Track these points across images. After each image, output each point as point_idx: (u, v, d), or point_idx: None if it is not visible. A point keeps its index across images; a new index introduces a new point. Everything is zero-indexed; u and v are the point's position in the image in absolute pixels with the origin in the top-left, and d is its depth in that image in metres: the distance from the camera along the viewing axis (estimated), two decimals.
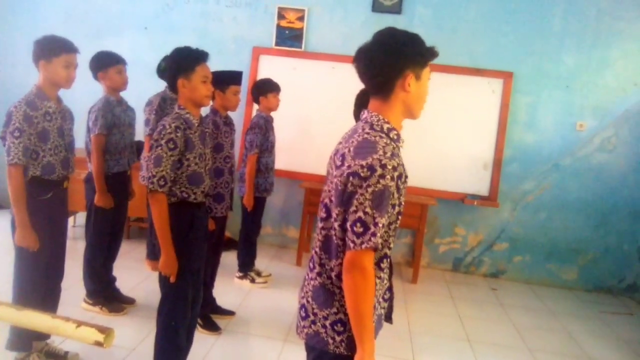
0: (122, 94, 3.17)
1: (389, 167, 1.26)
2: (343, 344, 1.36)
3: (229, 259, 4.02)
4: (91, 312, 3.10)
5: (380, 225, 1.26)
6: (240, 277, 3.87)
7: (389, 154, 1.27)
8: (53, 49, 2.29)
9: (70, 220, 4.52)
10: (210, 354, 2.79)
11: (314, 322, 1.40)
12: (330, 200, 1.36)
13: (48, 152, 2.33)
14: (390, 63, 1.32)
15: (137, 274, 3.72)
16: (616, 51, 4.43)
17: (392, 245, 1.39)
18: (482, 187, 4.55)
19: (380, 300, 1.43)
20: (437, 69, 4.06)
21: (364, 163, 1.26)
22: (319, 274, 1.40)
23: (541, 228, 4.65)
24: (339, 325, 1.36)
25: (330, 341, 1.37)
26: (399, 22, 4.50)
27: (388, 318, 1.51)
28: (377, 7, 4.58)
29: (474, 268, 4.81)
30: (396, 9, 4.56)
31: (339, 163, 1.34)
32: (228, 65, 3.43)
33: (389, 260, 1.41)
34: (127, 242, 4.26)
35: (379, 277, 1.37)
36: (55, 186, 2.40)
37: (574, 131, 4.54)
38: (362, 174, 1.25)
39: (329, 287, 1.38)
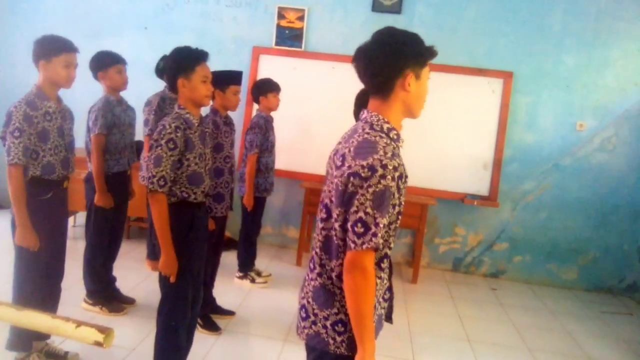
0: (122, 93, 3.17)
1: (390, 167, 1.26)
2: (344, 344, 1.36)
3: (229, 259, 4.01)
4: (91, 312, 3.10)
5: (381, 225, 1.26)
6: (240, 277, 3.87)
7: (389, 154, 1.27)
8: (53, 49, 2.29)
9: (70, 220, 4.52)
10: (210, 354, 2.79)
11: (314, 323, 1.40)
12: (331, 201, 1.35)
13: (48, 152, 2.33)
14: (390, 63, 1.31)
15: (137, 274, 3.72)
16: (616, 51, 4.43)
17: (392, 245, 1.39)
18: (482, 187, 4.55)
19: (381, 300, 1.43)
20: (437, 69, 4.07)
21: (364, 163, 1.26)
22: (320, 275, 1.40)
23: (541, 228, 4.65)
24: (339, 325, 1.36)
25: (331, 342, 1.37)
26: (399, 22, 4.50)
27: (388, 318, 1.51)
28: (377, 7, 4.58)
29: (474, 268, 4.81)
30: (396, 9, 4.56)
31: (339, 163, 1.34)
32: (228, 65, 3.43)
33: (389, 260, 1.41)
34: (127, 242, 4.26)
35: (379, 277, 1.37)
36: (55, 186, 2.40)
37: (574, 131, 4.54)
38: (362, 174, 1.25)
39: (330, 287, 1.38)
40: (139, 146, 3.61)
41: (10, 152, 2.21)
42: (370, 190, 1.24)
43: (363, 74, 1.37)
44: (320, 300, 1.39)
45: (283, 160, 4.41)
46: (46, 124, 2.32)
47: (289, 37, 4.69)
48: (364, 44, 1.36)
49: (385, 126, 1.35)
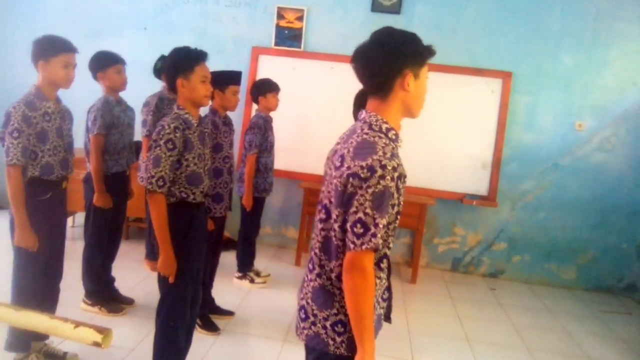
0: (121, 94, 3.16)
1: (389, 168, 1.26)
2: (343, 344, 1.36)
3: (228, 259, 4.01)
4: (90, 313, 3.10)
5: (381, 226, 1.26)
6: (240, 277, 3.87)
7: (388, 155, 1.27)
8: (52, 49, 2.29)
9: (69, 220, 4.52)
10: (210, 354, 2.79)
11: (314, 324, 1.40)
12: (330, 201, 1.35)
13: (47, 152, 2.32)
14: (389, 63, 1.31)
15: (136, 274, 3.72)
16: (615, 51, 4.43)
17: (391, 245, 1.39)
18: (481, 186, 4.55)
19: (380, 300, 1.43)
20: (436, 69, 4.07)
21: (363, 164, 1.26)
22: (319, 275, 1.40)
23: (540, 228, 4.66)
24: (339, 326, 1.36)
25: (331, 342, 1.37)
26: (398, 22, 4.50)
27: (387, 318, 1.51)
28: (376, 7, 4.58)
29: (473, 268, 4.81)
30: (395, 9, 4.56)
31: (338, 164, 1.33)
32: (227, 65, 3.43)
33: (388, 260, 1.41)
34: (126, 243, 4.26)
35: (379, 277, 1.37)
36: (54, 186, 2.40)
37: (573, 131, 4.54)
38: (362, 175, 1.25)
39: (329, 288, 1.38)
40: (138, 146, 3.61)
41: (9, 153, 2.21)
42: (370, 190, 1.24)
43: (362, 74, 1.37)
44: (319, 301, 1.39)
45: (282, 160, 4.41)
46: (45, 124, 2.31)
47: (288, 37, 4.69)
48: (362, 44, 1.36)
49: (384, 126, 1.35)
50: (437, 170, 4.55)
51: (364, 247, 1.25)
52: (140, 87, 3.56)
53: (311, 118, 4.65)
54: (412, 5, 4.57)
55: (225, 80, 2.90)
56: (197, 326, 2.77)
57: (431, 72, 1.44)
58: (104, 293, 3.18)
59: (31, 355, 2.45)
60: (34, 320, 0.98)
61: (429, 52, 1.36)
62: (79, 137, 3.18)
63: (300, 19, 4.66)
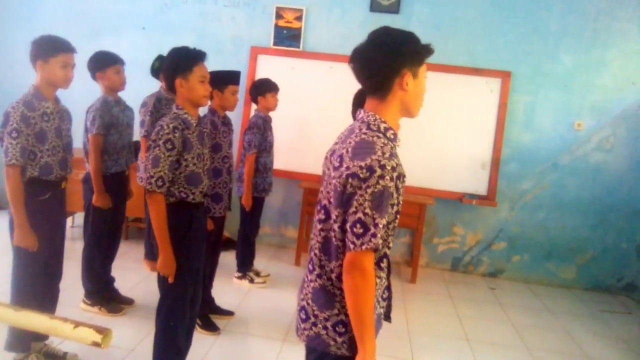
0: (120, 94, 3.16)
1: (388, 168, 1.26)
2: (345, 345, 1.36)
3: (227, 259, 4.02)
4: (90, 313, 3.10)
5: (381, 226, 1.26)
6: (239, 277, 3.87)
7: (387, 154, 1.27)
8: (50, 49, 2.29)
9: (69, 220, 4.52)
10: (210, 354, 2.79)
11: (314, 324, 1.39)
12: (329, 202, 1.35)
13: (46, 152, 2.32)
14: (387, 62, 1.31)
15: (135, 274, 3.72)
16: (614, 51, 4.43)
17: (391, 245, 1.39)
18: (480, 186, 4.55)
19: (379, 299, 1.43)
20: (435, 69, 4.07)
21: (362, 164, 1.26)
22: (319, 276, 1.39)
23: (540, 227, 4.66)
24: (340, 326, 1.36)
25: (332, 343, 1.37)
26: (397, 21, 4.50)
27: (387, 317, 1.51)
28: (375, 7, 4.58)
29: (473, 267, 4.82)
30: (394, 9, 4.56)
31: (336, 164, 1.33)
32: (226, 65, 3.43)
33: (387, 259, 1.41)
34: (125, 243, 4.26)
35: (379, 277, 1.37)
36: (53, 187, 2.40)
37: (572, 130, 4.55)
38: (361, 175, 1.25)
39: (330, 288, 1.37)
40: (137, 146, 3.61)
41: (7, 153, 2.20)
42: (369, 191, 1.24)
43: (360, 74, 1.36)
44: (320, 302, 1.38)
45: (281, 160, 4.41)
46: (44, 124, 2.31)
47: (287, 37, 4.69)
48: (360, 44, 1.35)
49: (382, 126, 1.35)
50: (436, 170, 4.55)
51: (363, 247, 1.25)
52: (139, 87, 3.55)
53: (310, 118, 4.65)
54: (411, 5, 4.57)
55: (224, 80, 2.90)
56: (197, 326, 2.77)
57: (430, 71, 1.44)
58: (103, 293, 3.18)
59: (31, 355, 2.45)
60: (33, 320, 0.97)
61: (427, 51, 1.35)
62: (78, 137, 3.17)
63: (299, 18, 4.66)
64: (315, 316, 1.39)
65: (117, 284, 3.33)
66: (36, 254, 2.31)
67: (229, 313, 3.27)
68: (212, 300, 3.22)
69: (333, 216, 1.33)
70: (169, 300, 2.18)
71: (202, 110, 2.43)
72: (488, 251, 4.77)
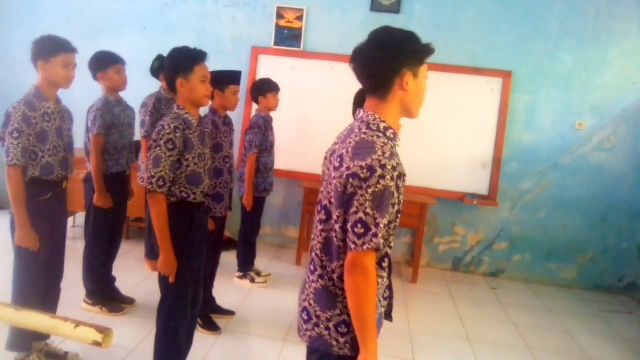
0: (121, 93, 3.17)
1: (389, 167, 1.25)
2: (347, 345, 1.36)
3: (228, 259, 4.02)
4: (91, 313, 3.10)
5: (382, 225, 1.26)
6: (240, 277, 3.88)
7: (387, 154, 1.27)
8: (51, 49, 2.29)
9: (70, 220, 4.52)
10: (210, 354, 2.79)
11: (317, 325, 1.39)
12: (330, 202, 1.35)
13: (47, 152, 2.33)
14: (387, 62, 1.31)
15: (136, 274, 3.72)
16: (614, 50, 4.43)
17: (392, 244, 1.39)
18: (481, 186, 4.55)
19: (381, 299, 1.42)
20: (436, 68, 4.08)
21: (363, 164, 1.25)
22: (321, 277, 1.39)
23: (540, 227, 4.66)
24: (342, 326, 1.36)
25: (335, 343, 1.37)
26: (397, 21, 4.50)
27: (388, 316, 1.51)
28: (375, 7, 4.58)
29: (474, 267, 4.82)
30: (395, 9, 4.56)
31: (337, 164, 1.33)
32: (227, 65, 3.43)
33: (389, 259, 1.41)
34: (126, 242, 4.26)
35: (380, 277, 1.37)
36: (54, 187, 2.40)
37: (572, 130, 4.54)
38: (362, 175, 1.25)
39: (332, 289, 1.37)
40: (137, 146, 3.61)
41: (9, 153, 2.21)
42: (370, 190, 1.24)
43: (361, 74, 1.36)
44: (322, 302, 1.38)
45: (282, 160, 4.42)
46: (45, 124, 2.31)
47: (288, 37, 4.69)
48: (360, 44, 1.35)
49: (382, 125, 1.34)
50: (437, 170, 4.55)
51: (365, 247, 1.25)
52: (140, 87, 3.56)
53: (311, 118, 4.65)
54: (412, 4, 4.57)
55: (225, 80, 2.90)
56: (198, 326, 2.78)
57: (431, 71, 1.44)
58: (104, 293, 3.18)
59: (32, 355, 2.45)
60: (34, 320, 0.98)
61: (427, 50, 1.35)
62: (79, 137, 3.17)
63: (299, 18, 4.66)
64: (318, 317, 1.39)
65: (118, 284, 3.33)
66: (37, 254, 2.32)
67: (230, 313, 3.28)
68: (213, 300, 3.22)
69: (334, 216, 1.33)
70: (170, 300, 2.18)
71: (203, 110, 2.43)
72: (489, 251, 4.76)
